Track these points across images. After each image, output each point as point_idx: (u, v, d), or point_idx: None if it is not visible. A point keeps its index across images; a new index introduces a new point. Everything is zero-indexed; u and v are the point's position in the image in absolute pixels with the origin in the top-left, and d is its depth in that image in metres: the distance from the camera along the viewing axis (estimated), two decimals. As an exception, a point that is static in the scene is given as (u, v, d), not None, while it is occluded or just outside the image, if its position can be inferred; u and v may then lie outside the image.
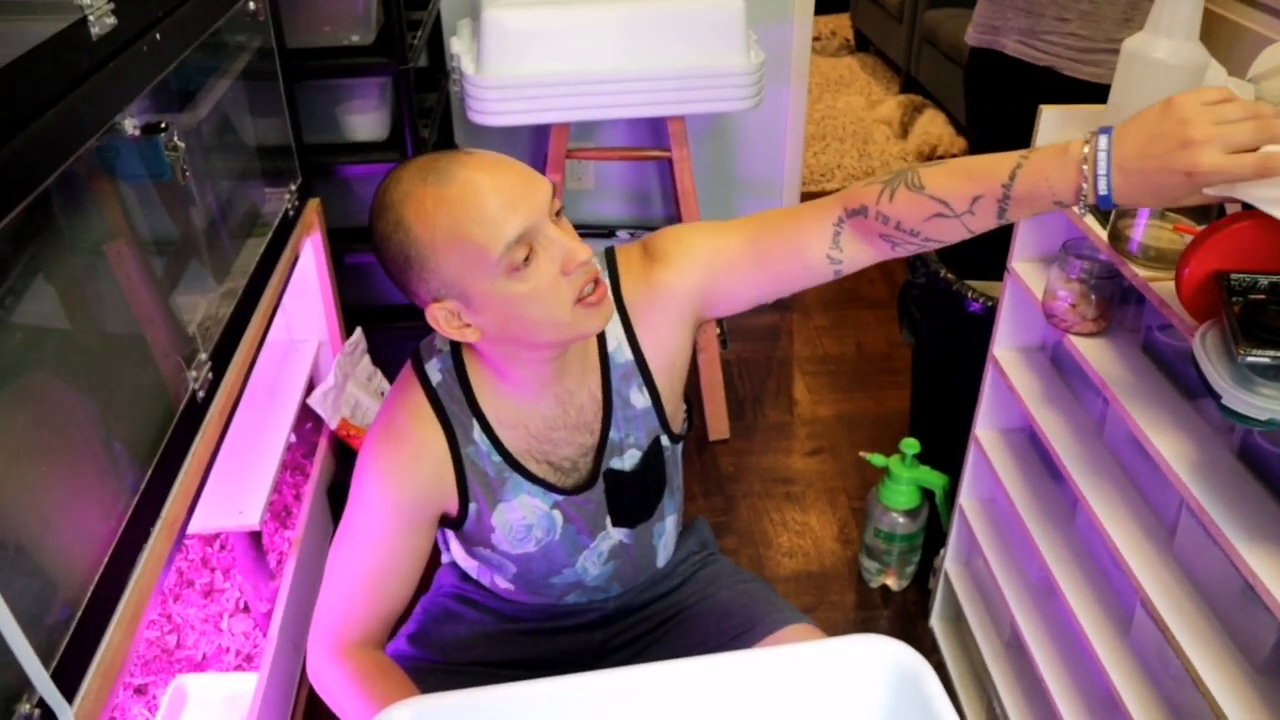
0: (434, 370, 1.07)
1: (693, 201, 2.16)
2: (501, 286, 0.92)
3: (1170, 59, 1.12)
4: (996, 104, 2.03)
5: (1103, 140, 0.85)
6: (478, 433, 1.06)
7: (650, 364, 1.09)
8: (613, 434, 1.10)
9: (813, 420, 2.40)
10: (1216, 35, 2.28)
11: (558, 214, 0.95)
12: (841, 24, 5.30)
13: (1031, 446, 1.54)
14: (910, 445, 1.80)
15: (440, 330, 0.97)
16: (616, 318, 1.08)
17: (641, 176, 2.71)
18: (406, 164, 0.95)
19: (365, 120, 2.00)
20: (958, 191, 0.93)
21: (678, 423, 1.16)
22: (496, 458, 1.07)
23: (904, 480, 1.80)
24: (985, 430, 1.59)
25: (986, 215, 0.93)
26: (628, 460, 1.12)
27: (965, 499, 1.66)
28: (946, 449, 1.79)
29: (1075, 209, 0.89)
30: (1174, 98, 0.83)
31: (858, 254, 1.02)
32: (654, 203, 2.75)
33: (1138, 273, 1.12)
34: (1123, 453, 1.29)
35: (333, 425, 1.83)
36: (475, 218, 0.90)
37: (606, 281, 1.05)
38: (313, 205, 1.81)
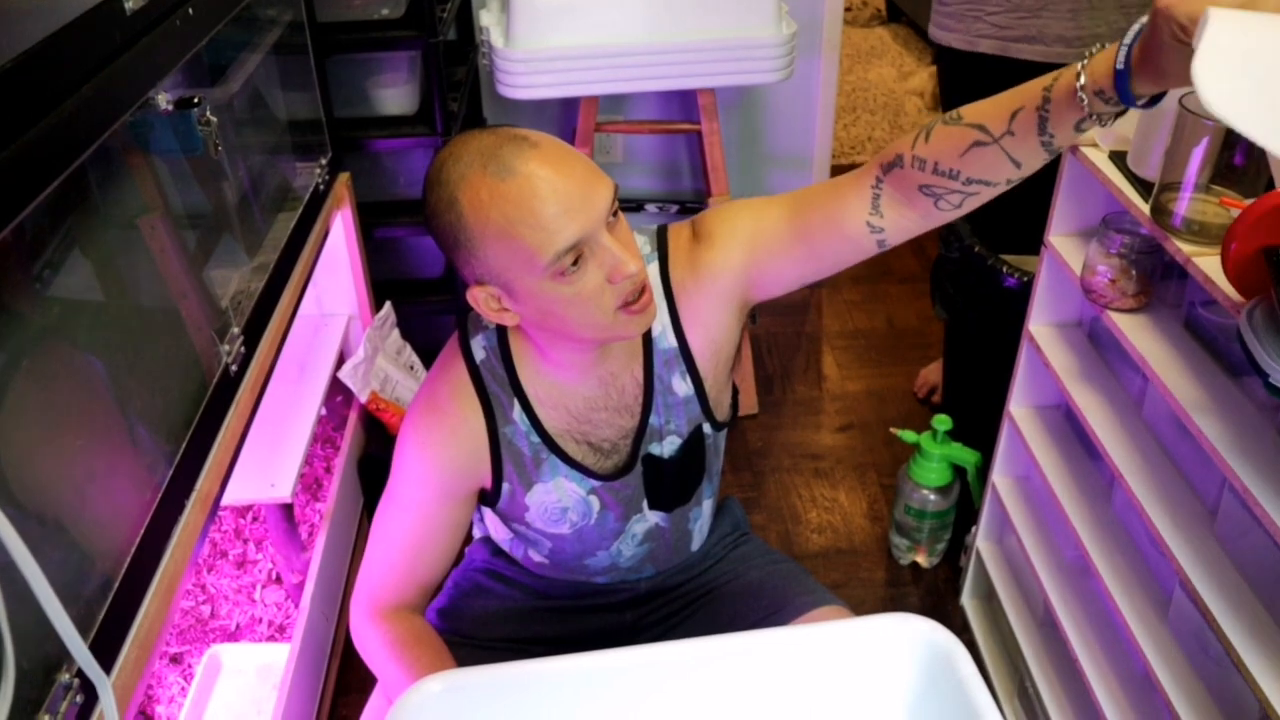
0: (479, 347, 1.06)
1: (722, 175, 2.15)
2: (546, 286, 0.91)
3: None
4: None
5: (1132, 29, 0.78)
6: (517, 412, 1.06)
7: (694, 351, 1.08)
8: (653, 419, 1.09)
9: (842, 396, 2.38)
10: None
11: (614, 214, 0.93)
12: (874, -8, 5.24)
13: (1067, 424, 1.52)
14: (942, 421, 1.78)
15: (479, 310, 0.97)
16: (663, 303, 1.06)
17: (671, 149, 2.69)
18: (468, 139, 0.92)
19: (395, 94, 2.00)
20: (996, 110, 0.88)
21: (723, 409, 1.14)
22: (535, 438, 1.07)
23: (935, 457, 1.79)
24: (1019, 407, 1.57)
25: (1027, 132, 0.85)
26: (667, 447, 1.11)
27: (998, 476, 1.65)
28: (979, 425, 1.77)
29: (1095, 117, 0.81)
30: None
31: (899, 219, 0.97)
32: (683, 176, 2.74)
33: (1181, 248, 1.10)
34: (1162, 431, 1.27)
35: (363, 399, 1.83)
36: (530, 220, 0.88)
37: (655, 268, 1.05)
38: (343, 179, 1.81)
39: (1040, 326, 1.49)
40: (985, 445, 1.70)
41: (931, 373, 2.35)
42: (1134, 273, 1.25)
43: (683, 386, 1.09)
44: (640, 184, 2.73)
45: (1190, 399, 1.11)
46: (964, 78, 1.92)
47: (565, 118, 2.54)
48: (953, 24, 1.86)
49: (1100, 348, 1.43)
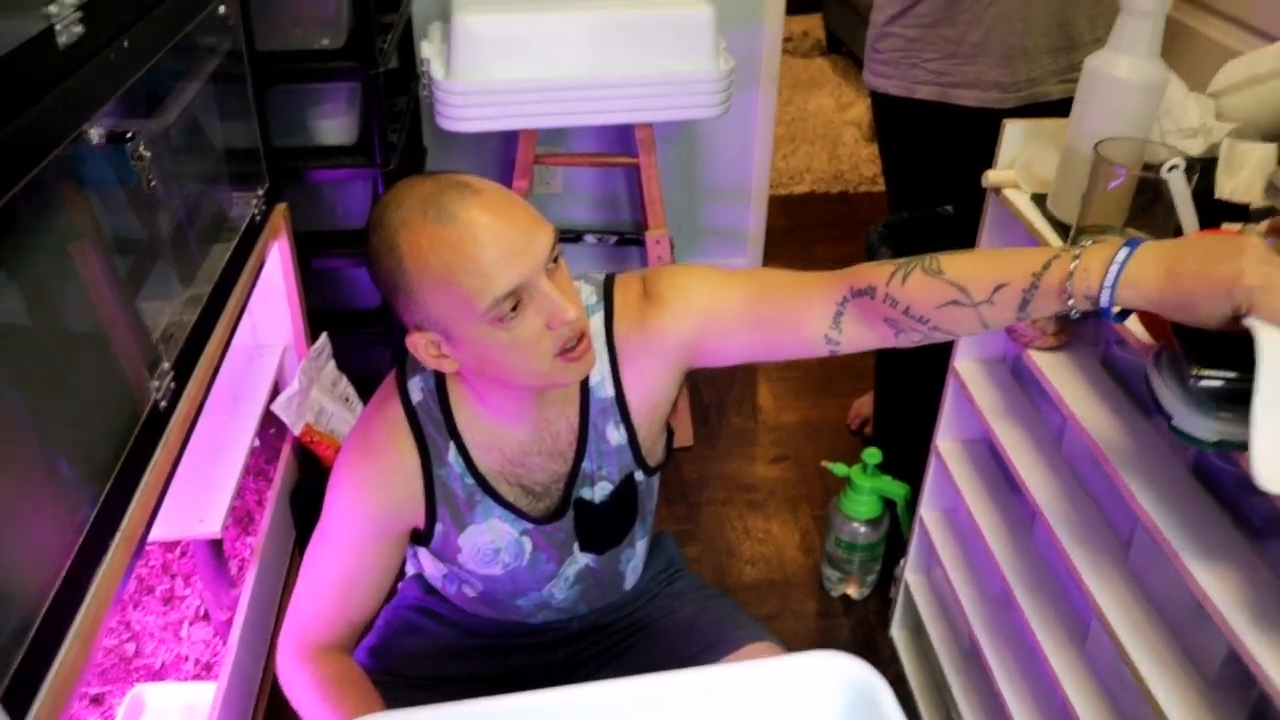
0: (415, 388, 1.07)
1: (659, 209, 2.17)
2: (484, 333, 0.92)
3: (1131, 77, 1.14)
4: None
5: (1123, 252, 0.83)
6: (453, 454, 1.06)
7: (631, 404, 1.09)
8: (585, 465, 1.10)
9: (776, 427, 2.41)
10: (1177, 44, 2.32)
11: (555, 260, 0.94)
12: (814, 24, 5.32)
13: (992, 458, 1.56)
14: (872, 455, 1.81)
15: (418, 356, 0.98)
16: (604, 353, 1.07)
17: (610, 181, 2.72)
18: (410, 185, 0.93)
19: (334, 125, 1.99)
20: (981, 278, 0.90)
21: (655, 456, 1.16)
22: (470, 479, 1.07)
23: (865, 490, 1.82)
24: (946, 441, 1.60)
25: (1007, 307, 0.88)
26: (599, 492, 1.12)
27: (926, 509, 1.68)
28: (909, 458, 1.81)
29: (1073, 312, 0.86)
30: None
31: (857, 336, 0.99)
32: (622, 207, 2.76)
33: (1096, 292, 1.14)
34: (1081, 467, 1.31)
35: (296, 431, 1.82)
36: (469, 267, 0.88)
37: (600, 319, 1.06)
38: (280, 210, 1.80)
39: (965, 363, 1.53)
40: (915, 478, 1.73)
41: (864, 404, 2.39)
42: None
43: (616, 436, 1.10)
44: (580, 215, 2.75)
45: (1105, 437, 1.15)
46: (902, 123, 1.97)
47: (505, 149, 2.56)
48: (889, 70, 1.90)
49: (1023, 384, 1.47)
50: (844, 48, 5.10)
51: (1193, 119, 1.25)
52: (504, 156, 2.55)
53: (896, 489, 1.82)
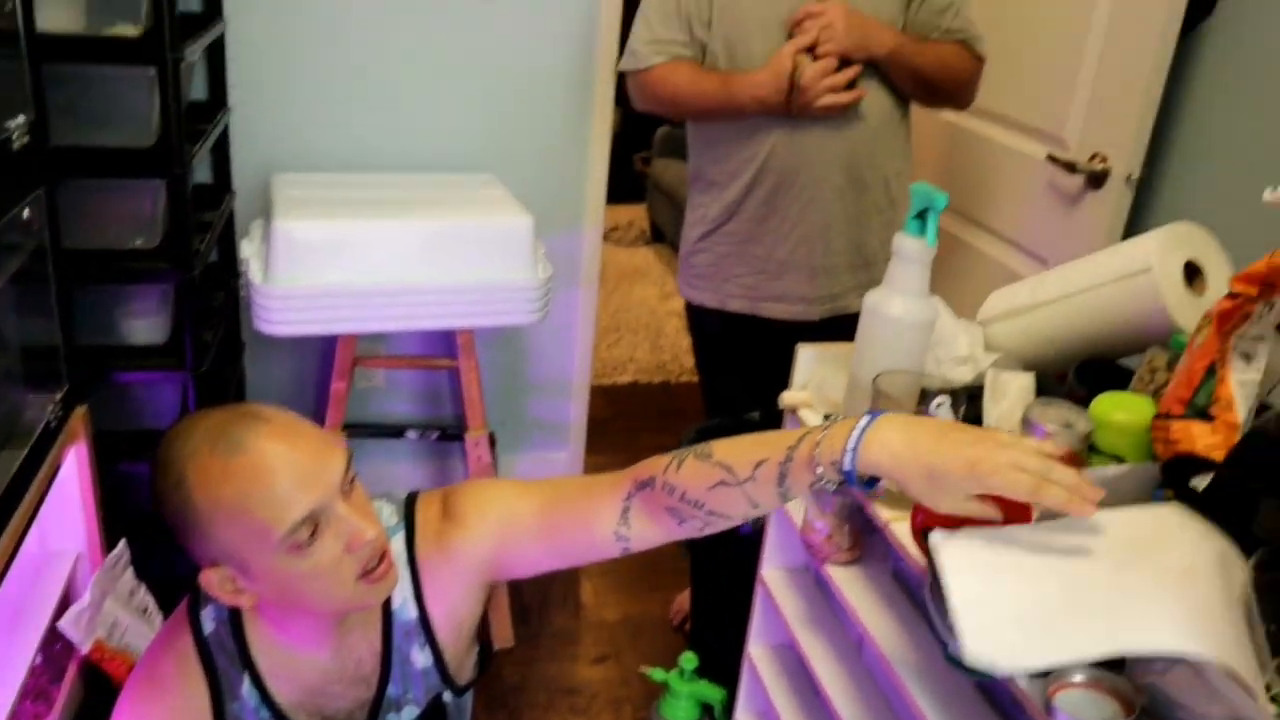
0: (208, 618, 1.03)
1: (479, 410, 2.20)
2: (282, 562, 0.91)
3: (905, 316, 1.25)
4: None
5: (865, 419, 0.89)
6: (247, 687, 1.03)
7: (435, 624, 1.08)
8: (391, 689, 1.08)
9: (599, 625, 2.40)
10: (955, 256, 2.54)
11: (350, 482, 0.94)
12: (638, 214, 5.57)
13: (800, 665, 1.60)
14: (689, 660, 1.83)
15: (213, 594, 0.95)
16: (406, 574, 1.07)
17: (433, 375, 2.73)
18: (196, 419, 0.93)
19: (145, 325, 1.96)
20: (743, 457, 0.95)
21: (465, 674, 1.14)
22: (265, 713, 1.03)
23: (683, 695, 1.82)
24: (757, 647, 1.64)
25: (767, 482, 0.93)
26: (405, 716, 1.10)
27: (741, 714, 1.70)
28: (725, 661, 1.83)
29: (825, 483, 0.92)
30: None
31: (645, 530, 1.02)
32: (445, 402, 2.77)
33: (879, 513, 1.21)
34: (879, 674, 1.36)
35: (84, 649, 1.71)
36: (262, 496, 0.88)
37: (401, 539, 1.06)
38: (79, 414, 1.73)
39: (772, 570, 1.58)
40: (731, 681, 1.75)
41: (684, 600, 2.41)
42: (848, 528, 1.36)
43: (422, 658, 1.09)
44: (401, 410, 2.74)
45: (896, 649, 1.20)
46: (716, 333, 2.08)
47: (324, 347, 2.54)
48: (702, 284, 2.02)
49: (826, 592, 1.53)
50: (666, 237, 5.36)
51: (962, 348, 1.37)
52: (323, 355, 2.54)
53: (713, 693, 1.83)
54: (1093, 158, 2.04)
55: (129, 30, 1.72)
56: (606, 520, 1.02)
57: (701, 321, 2.10)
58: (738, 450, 0.96)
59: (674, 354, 4.01)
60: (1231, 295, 1.03)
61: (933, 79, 1.90)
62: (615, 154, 2.76)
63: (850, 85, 1.81)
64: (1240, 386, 1.05)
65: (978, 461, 0.85)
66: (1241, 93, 1.95)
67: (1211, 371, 1.04)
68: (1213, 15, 2.00)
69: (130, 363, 1.93)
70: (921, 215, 1.19)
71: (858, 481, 0.89)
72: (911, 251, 1.21)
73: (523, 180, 2.47)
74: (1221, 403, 1.04)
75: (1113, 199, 2.01)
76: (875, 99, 1.88)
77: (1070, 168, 2.06)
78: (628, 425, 3.37)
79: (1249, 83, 1.94)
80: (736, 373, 2.09)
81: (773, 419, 1.61)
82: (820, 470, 0.89)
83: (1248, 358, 1.06)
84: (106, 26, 1.72)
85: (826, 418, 1.40)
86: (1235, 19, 1.96)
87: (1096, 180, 2.03)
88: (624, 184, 5.62)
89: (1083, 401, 1.21)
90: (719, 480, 0.95)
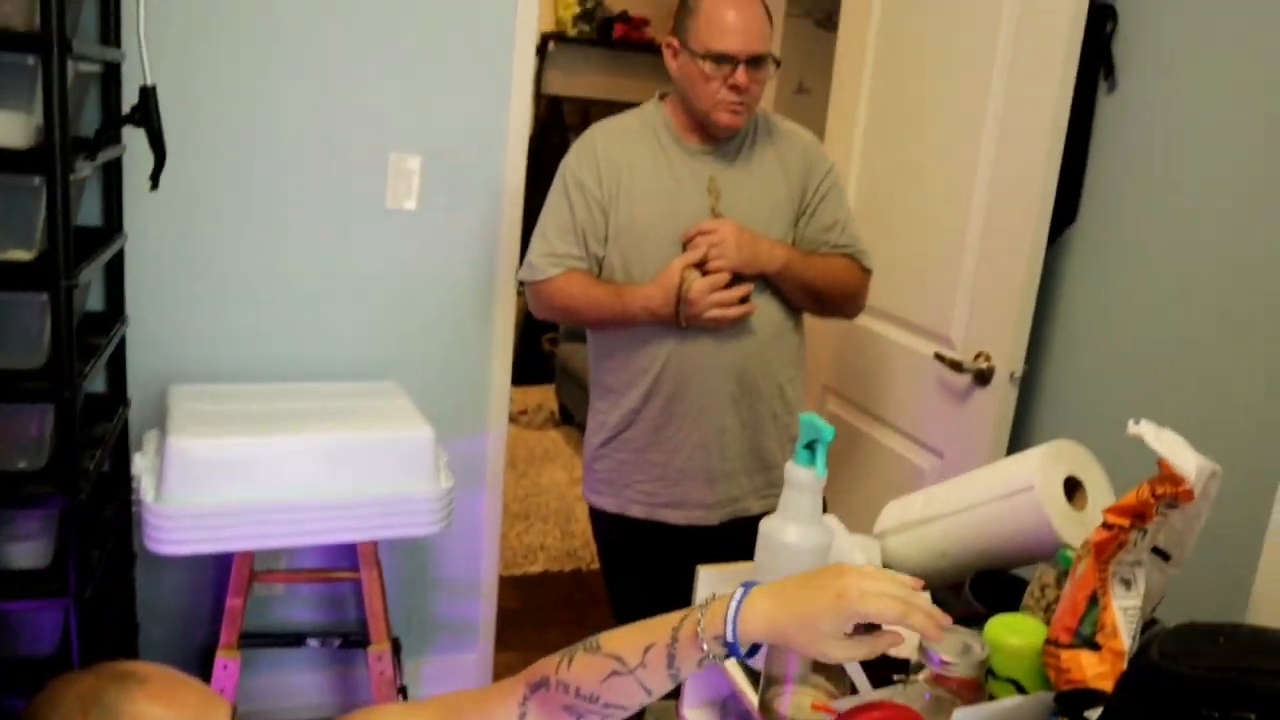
0: None
1: (381, 623, 2.14)
2: None
3: (800, 542, 1.26)
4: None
5: (740, 591, 0.93)
6: None
7: None
8: None
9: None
10: (855, 450, 2.59)
11: None
12: (547, 396, 5.58)
13: None
14: None
15: None
16: None
17: (338, 564, 2.65)
18: (66, 683, 0.88)
19: (26, 548, 1.87)
20: (631, 645, 0.96)
21: None
22: None
23: None
24: None
25: (657, 667, 0.94)
26: None
27: None
28: None
29: (712, 658, 0.95)
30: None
31: None
32: (347, 606, 2.68)
33: None
34: None
35: None
36: None
37: None
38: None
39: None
40: None
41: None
42: None
43: None
44: (302, 616, 2.65)
45: None
46: (618, 537, 2.07)
47: (220, 562, 2.46)
48: (604, 489, 2.03)
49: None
50: (575, 419, 5.37)
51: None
52: (218, 567, 2.46)
53: None
54: (978, 356, 2.13)
55: (22, 255, 1.71)
56: None
57: (604, 526, 2.10)
58: (625, 639, 0.98)
59: (585, 540, 3.96)
60: (1106, 526, 1.07)
61: (822, 292, 1.99)
62: (524, 335, 2.81)
63: (743, 300, 1.88)
64: (1123, 613, 1.08)
65: (844, 591, 0.89)
66: (1108, 291, 2.07)
67: (1094, 600, 1.07)
68: (1076, 221, 2.14)
69: (8, 590, 1.83)
70: (811, 446, 1.22)
71: (741, 651, 0.93)
72: (802, 481, 1.23)
73: (426, 385, 2.48)
74: (1106, 630, 1.06)
75: (999, 396, 2.09)
76: (766, 311, 1.95)
77: (957, 366, 2.15)
78: (539, 618, 3.30)
79: (1114, 281, 2.06)
80: (638, 575, 2.09)
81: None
82: (705, 646, 0.93)
83: (1127, 584, 1.09)
84: (-1, 252, 1.71)
85: (766, 689, 1.39)
86: (1097, 223, 2.10)
87: (983, 378, 2.11)
88: (532, 366, 5.67)
89: (980, 617, 1.23)
90: (611, 671, 0.96)
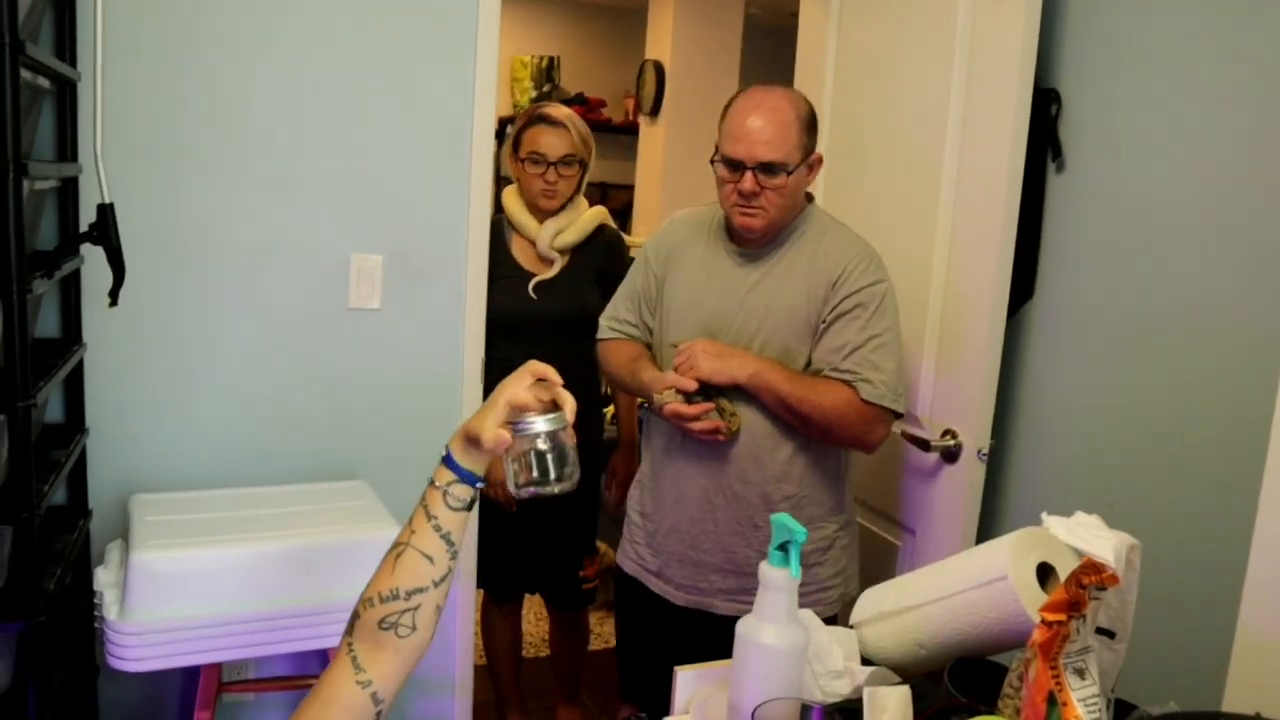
0: None
1: None
2: None
3: (777, 643, 1.25)
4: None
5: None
6: None
7: None
8: None
9: None
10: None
11: None
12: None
13: None
14: None
15: None
16: None
17: (309, 671, 2.60)
18: None
19: (-16, 672, 1.83)
20: (401, 529, 1.14)
21: None
22: None
23: None
24: None
25: (421, 525, 1.13)
26: None
27: None
28: None
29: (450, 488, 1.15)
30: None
31: (379, 665, 1.08)
32: (321, 709, 2.63)
33: None
34: None
35: None
36: None
37: None
38: (-95, 785, 1.58)
39: None
40: None
41: None
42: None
43: None
44: (273, 721, 2.59)
45: None
46: (619, 582, 2.23)
47: (186, 675, 2.40)
48: (623, 534, 2.20)
49: None
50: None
51: (837, 661, 1.37)
52: (185, 677, 2.40)
53: None
54: (944, 434, 2.14)
55: (-22, 375, 1.69)
56: (343, 680, 1.07)
57: (619, 572, 2.21)
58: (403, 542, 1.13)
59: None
60: (1046, 624, 1.08)
61: (796, 409, 1.92)
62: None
63: (723, 413, 1.93)
64: (1083, 705, 1.08)
65: (496, 394, 1.14)
66: (1069, 363, 2.10)
67: (1052, 700, 1.07)
68: (1034, 296, 2.18)
69: (-33, 719, 1.78)
70: (784, 547, 1.21)
71: (464, 471, 1.13)
72: (777, 581, 1.23)
73: (394, 483, 2.45)
74: (1071, 728, 1.06)
75: (968, 472, 2.10)
76: (751, 421, 1.97)
77: (924, 445, 2.16)
78: (519, 707, 3.23)
79: (1074, 353, 2.09)
80: (623, 623, 2.27)
81: None
82: (439, 484, 1.12)
83: (1081, 673, 1.09)
84: (-46, 374, 1.69)
85: None
86: (1054, 298, 2.14)
87: (950, 455, 2.13)
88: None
89: (961, 707, 1.22)
90: (394, 555, 1.11)
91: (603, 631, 3.88)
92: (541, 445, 1.17)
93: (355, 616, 1.10)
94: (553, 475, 1.20)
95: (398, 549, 1.12)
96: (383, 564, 1.12)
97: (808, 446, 1.99)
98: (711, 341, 1.96)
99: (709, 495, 1.98)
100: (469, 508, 1.15)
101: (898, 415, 1.95)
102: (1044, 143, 2.12)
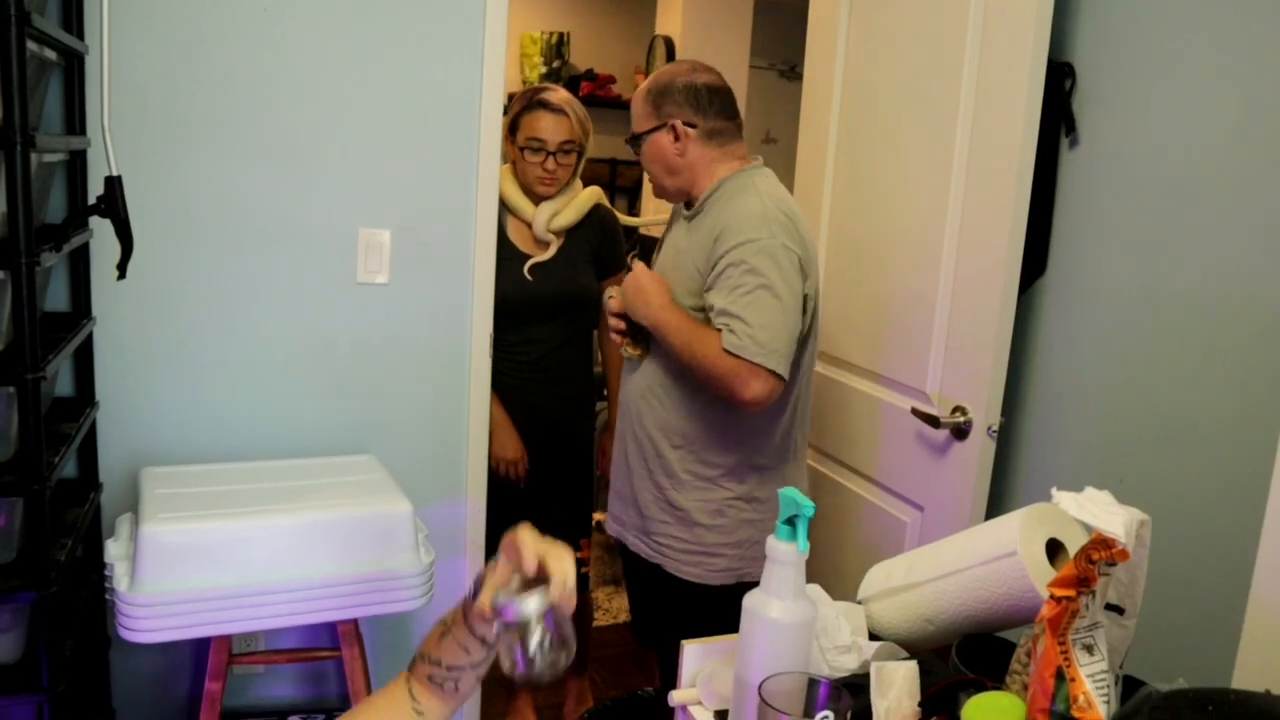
0: None
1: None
2: None
3: (784, 618, 1.25)
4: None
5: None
6: None
7: None
8: None
9: None
10: (838, 504, 2.59)
11: None
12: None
13: None
14: None
15: None
16: None
17: (319, 644, 2.61)
18: None
19: (-4, 643, 1.84)
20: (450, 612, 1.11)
21: None
22: None
23: None
24: None
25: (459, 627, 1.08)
26: None
27: None
28: None
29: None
30: None
31: (430, 702, 1.10)
32: (330, 682, 2.64)
33: None
34: None
35: None
36: None
37: None
38: (-81, 753, 1.60)
39: None
40: None
41: None
42: None
43: None
44: (284, 693, 2.60)
45: None
46: None
47: (197, 644, 2.42)
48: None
49: None
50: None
51: (844, 636, 1.37)
52: (195, 649, 2.42)
53: None
54: (954, 410, 2.13)
55: (-12, 350, 1.69)
56: (400, 704, 1.10)
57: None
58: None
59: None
60: (1055, 600, 1.07)
61: (680, 355, 2.02)
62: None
63: (635, 338, 2.15)
64: (1091, 680, 1.07)
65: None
66: (1080, 339, 2.09)
67: (1061, 676, 1.06)
68: (1046, 272, 2.16)
69: (-22, 689, 1.79)
70: (791, 521, 1.21)
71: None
72: (785, 555, 1.22)
73: (404, 456, 2.47)
74: (1079, 703, 1.05)
75: (978, 449, 2.09)
76: (646, 369, 2.12)
77: (934, 421, 2.15)
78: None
79: (1085, 329, 2.08)
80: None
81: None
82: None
83: (1089, 649, 1.09)
84: (-36, 350, 1.69)
85: (717, 714, 1.37)
86: (1066, 273, 2.12)
87: (960, 432, 2.12)
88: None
89: (968, 682, 1.22)
90: (440, 631, 1.11)
91: (611, 607, 3.89)
92: (532, 638, 1.01)
93: (414, 659, 1.13)
94: (541, 666, 1.03)
95: (443, 625, 1.11)
96: (435, 626, 1.13)
97: (697, 398, 2.06)
98: (653, 279, 2.09)
99: (624, 436, 2.18)
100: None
101: (779, 376, 1.95)
102: (1057, 117, 2.09)
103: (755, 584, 1.85)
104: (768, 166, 2.12)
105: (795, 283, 1.96)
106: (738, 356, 1.92)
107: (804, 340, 2.04)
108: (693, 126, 2.07)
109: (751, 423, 2.06)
